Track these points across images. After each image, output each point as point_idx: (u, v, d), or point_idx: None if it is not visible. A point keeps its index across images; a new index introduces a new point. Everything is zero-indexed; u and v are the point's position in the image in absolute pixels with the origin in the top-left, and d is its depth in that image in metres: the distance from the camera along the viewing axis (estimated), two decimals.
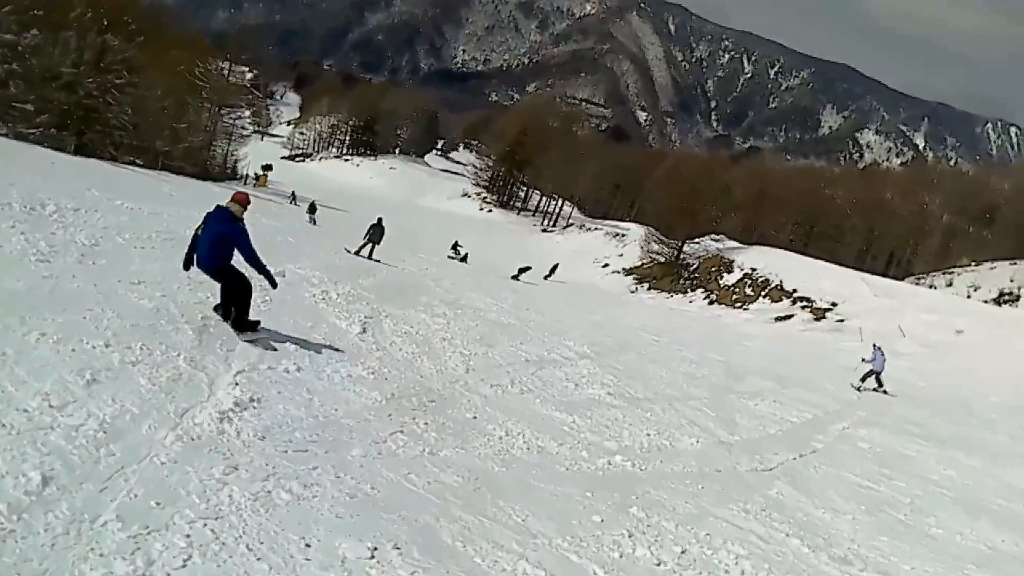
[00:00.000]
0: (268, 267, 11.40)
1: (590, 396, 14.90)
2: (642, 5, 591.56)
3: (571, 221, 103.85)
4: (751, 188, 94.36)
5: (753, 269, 58.37)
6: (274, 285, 11.70)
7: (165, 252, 15.61)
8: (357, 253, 29.80)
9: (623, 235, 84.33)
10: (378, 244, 30.94)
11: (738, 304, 55.00)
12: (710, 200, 70.50)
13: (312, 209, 49.02)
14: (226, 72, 75.90)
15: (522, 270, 45.98)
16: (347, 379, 11.00)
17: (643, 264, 69.91)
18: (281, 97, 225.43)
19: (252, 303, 11.48)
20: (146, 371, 8.60)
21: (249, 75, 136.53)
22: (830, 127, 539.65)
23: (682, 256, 66.14)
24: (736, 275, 58.96)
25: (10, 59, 41.04)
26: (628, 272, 70.27)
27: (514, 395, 13.29)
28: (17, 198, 15.83)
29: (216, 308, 11.44)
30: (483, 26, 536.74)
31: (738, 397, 19.39)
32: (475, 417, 11.22)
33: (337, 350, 12.41)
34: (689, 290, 60.99)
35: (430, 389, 11.93)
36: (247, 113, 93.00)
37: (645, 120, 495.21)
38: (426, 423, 10.17)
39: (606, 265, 75.11)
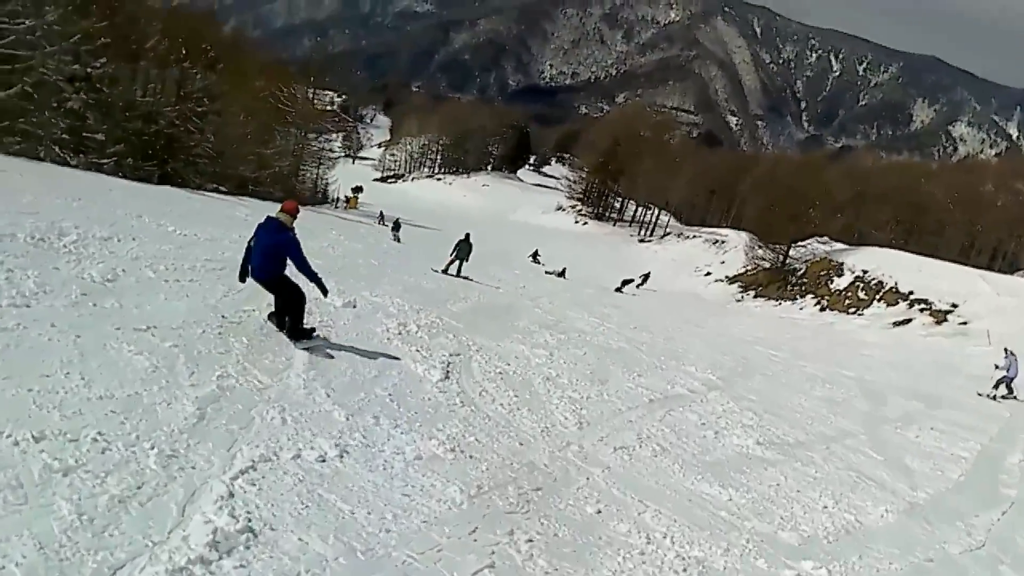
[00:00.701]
0: (319, 275, 11.21)
1: (736, 449, 11.89)
2: (726, 8, 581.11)
3: (668, 230, 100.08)
4: (849, 187, 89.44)
5: (865, 271, 54.51)
6: (325, 292, 11.51)
7: (205, 285, 13.16)
8: (445, 271, 28.11)
9: (723, 242, 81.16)
10: (466, 261, 29.23)
11: (852, 310, 51.24)
12: (813, 202, 66.22)
13: (396, 227, 47.38)
14: (312, 96, 74.42)
15: (625, 282, 46.14)
16: (414, 464, 7.89)
17: (747, 271, 66.65)
18: (371, 120, 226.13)
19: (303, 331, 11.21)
20: (77, 489, 5.47)
21: (338, 99, 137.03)
22: (922, 121, 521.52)
23: (788, 261, 62.31)
24: (847, 279, 55.14)
25: (84, 89, 39.73)
26: (732, 280, 67.07)
27: (645, 460, 10.19)
28: (30, 228, 12.93)
29: (270, 316, 11.31)
30: (569, 40, 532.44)
31: (892, 428, 16.47)
32: (600, 511, 8.03)
33: (406, 411, 9.53)
34: (798, 296, 57.32)
35: (533, 467, 8.88)
36: (336, 137, 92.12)
37: (736, 125, 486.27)
38: (530, 540, 6.90)
39: (708, 274, 71.87)
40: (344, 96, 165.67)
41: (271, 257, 10.76)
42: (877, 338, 42.67)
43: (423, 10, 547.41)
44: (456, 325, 16.03)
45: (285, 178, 64.51)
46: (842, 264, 57.34)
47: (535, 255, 48.92)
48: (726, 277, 68.45)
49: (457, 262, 28.83)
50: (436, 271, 27.72)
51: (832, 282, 55.82)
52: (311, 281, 11.03)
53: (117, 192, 25.98)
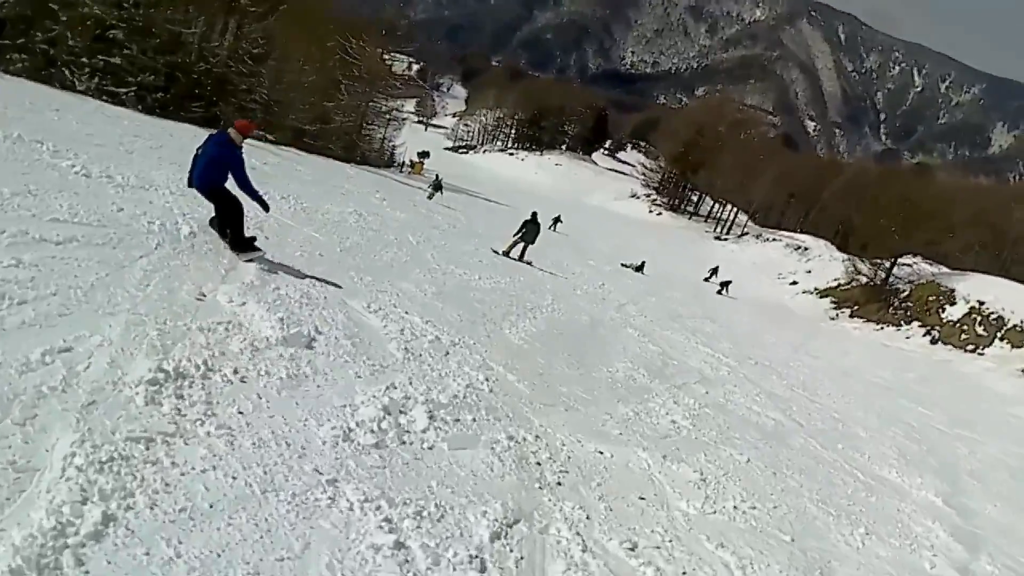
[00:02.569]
0: (260, 192, 10.82)
1: None
2: (812, 12, 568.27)
3: (746, 230, 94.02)
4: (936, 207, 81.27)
5: (981, 303, 46.94)
6: (266, 209, 11.05)
7: None
8: (506, 254, 24.55)
9: (805, 249, 74.98)
10: (532, 244, 25.54)
11: (969, 347, 43.76)
12: (927, 217, 58.37)
13: (437, 186, 43.45)
14: (384, 56, 68.16)
15: (714, 271, 49.15)
16: None
17: (839, 285, 59.29)
18: (448, 89, 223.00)
19: None
20: None
21: (416, 65, 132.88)
22: (1000, 145, 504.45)
23: (890, 280, 54.79)
24: (961, 308, 47.57)
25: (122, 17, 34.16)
26: (822, 293, 59.87)
27: None
28: None
29: (211, 222, 11.23)
30: (652, 28, 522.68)
31: None
32: None
33: None
34: (903, 322, 49.79)
35: None
36: (406, 102, 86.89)
37: (813, 130, 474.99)
38: None
39: (794, 283, 64.75)
40: (422, 63, 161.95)
41: (213, 167, 10.46)
42: (1012, 389, 35.52)
43: None
44: (516, 388, 9.73)
45: (346, 134, 59.20)
46: (953, 291, 49.70)
47: (557, 220, 46.76)
48: (815, 289, 61.26)
49: (521, 244, 25.14)
50: (496, 252, 24.18)
51: (944, 311, 48.19)
52: (252, 199, 10.69)
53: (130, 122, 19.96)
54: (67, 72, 31.86)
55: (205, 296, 8.47)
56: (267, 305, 8.76)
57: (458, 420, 7.65)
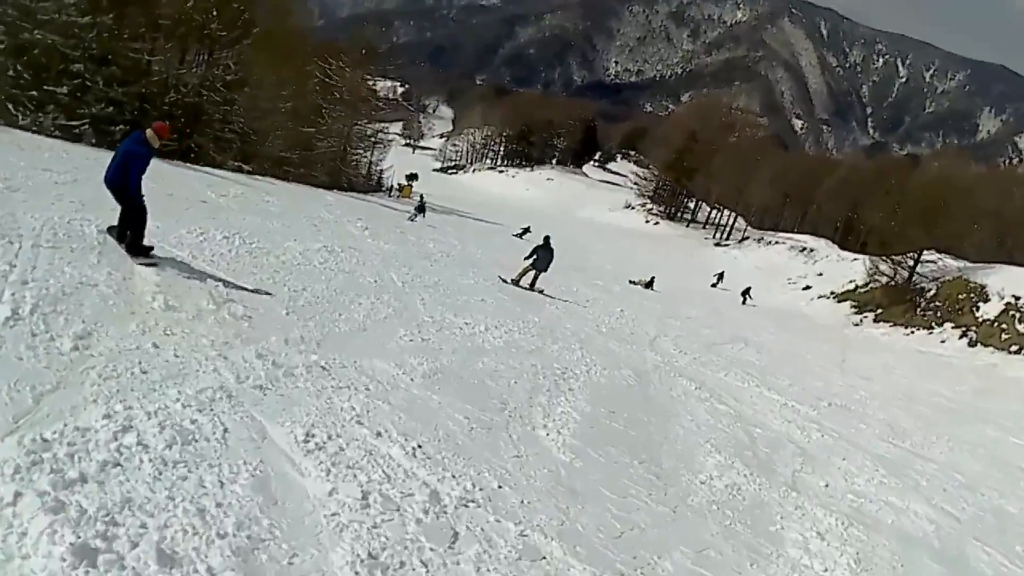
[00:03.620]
0: (144, 203, 10.72)
1: None
2: (793, 10, 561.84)
3: (747, 234, 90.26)
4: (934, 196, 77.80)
5: (1017, 297, 43.06)
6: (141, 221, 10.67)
7: None
8: (516, 283, 22.41)
9: (810, 250, 71.34)
10: (544, 271, 23.14)
11: (1012, 348, 39.83)
12: (948, 208, 54.55)
13: (420, 208, 41.78)
14: (366, 78, 64.83)
15: (744, 293, 46.93)
16: None
17: (857, 288, 55.55)
18: (434, 111, 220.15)
19: None
20: None
21: (400, 88, 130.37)
22: (988, 131, 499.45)
23: (914, 278, 51.03)
24: (995, 305, 43.56)
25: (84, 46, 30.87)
26: (840, 297, 55.86)
27: None
28: None
29: (110, 229, 10.99)
30: (635, 37, 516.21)
31: None
32: None
33: None
34: (934, 324, 45.76)
35: None
36: (392, 126, 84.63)
37: (801, 128, 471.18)
38: None
39: (807, 288, 60.68)
40: (407, 85, 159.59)
41: (121, 165, 10.50)
42: None
43: (488, 3, 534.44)
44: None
45: (330, 160, 56.56)
46: (983, 287, 45.78)
47: (526, 231, 43.95)
48: (832, 293, 57.20)
49: (533, 272, 22.78)
50: (505, 281, 22.19)
51: (977, 309, 44.33)
52: (132, 203, 10.58)
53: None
54: (10, 107, 28.26)
55: None
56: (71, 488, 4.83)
57: None
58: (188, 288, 9.84)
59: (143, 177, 10.67)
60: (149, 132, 10.76)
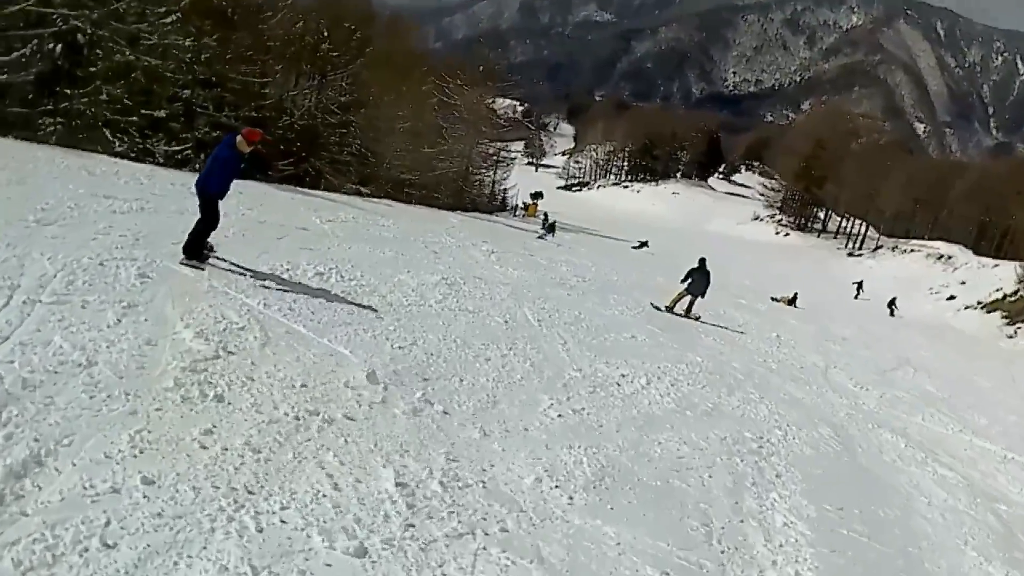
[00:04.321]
0: (218, 209, 10.29)
1: None
2: (908, 11, 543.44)
3: (879, 243, 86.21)
4: None
5: None
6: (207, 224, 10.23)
7: None
8: (670, 310, 20.36)
9: (949, 258, 67.47)
10: (701, 297, 20.71)
11: None
12: None
13: (550, 228, 40.76)
14: (489, 100, 62.70)
15: (891, 304, 45.51)
16: None
17: (1006, 296, 51.33)
18: (554, 128, 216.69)
19: None
20: None
21: (520, 107, 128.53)
22: None
23: None
24: None
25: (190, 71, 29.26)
26: (988, 307, 51.42)
27: None
28: None
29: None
30: (751, 46, 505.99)
31: None
32: None
33: None
34: None
35: None
36: (514, 144, 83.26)
37: (924, 132, 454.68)
38: None
39: (952, 298, 56.40)
40: (526, 104, 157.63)
41: (213, 171, 10.15)
42: None
43: (603, 19, 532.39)
44: None
45: (452, 181, 54.44)
46: None
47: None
48: (978, 303, 52.83)
49: (688, 297, 20.51)
50: (658, 308, 20.10)
51: None
52: (207, 205, 10.16)
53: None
54: (106, 132, 26.28)
55: None
56: None
57: None
58: (236, 364, 6.91)
59: (230, 183, 10.31)
60: (239, 137, 10.27)
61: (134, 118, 27.78)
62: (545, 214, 47.25)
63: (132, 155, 25.90)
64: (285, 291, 9.74)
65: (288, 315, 8.73)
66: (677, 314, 19.92)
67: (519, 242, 30.42)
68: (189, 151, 29.11)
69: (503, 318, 12.29)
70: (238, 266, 10.34)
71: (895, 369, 22.42)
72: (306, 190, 29.11)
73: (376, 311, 10.25)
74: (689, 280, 20.53)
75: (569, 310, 14.99)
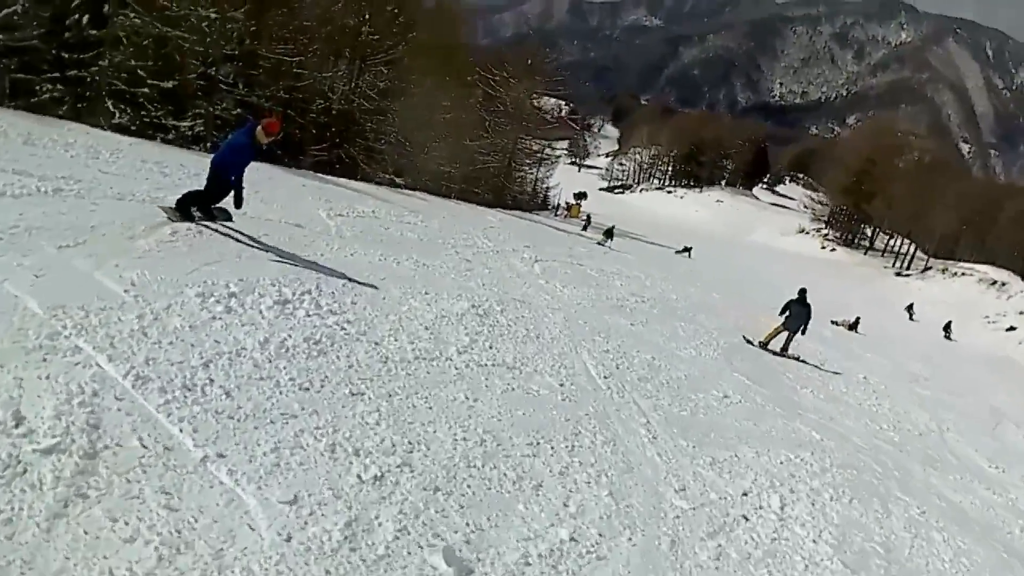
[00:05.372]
0: (243, 188, 9.75)
1: None
2: (958, 30, 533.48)
3: (929, 264, 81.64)
4: None
5: None
6: (238, 204, 9.85)
7: None
8: (764, 346, 17.51)
9: (1003, 284, 63.15)
10: (802, 333, 18.09)
11: None
12: None
13: (608, 234, 38.07)
14: (535, 97, 59.60)
15: (946, 328, 43.97)
16: None
17: None
18: (599, 130, 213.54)
19: None
20: None
21: (565, 107, 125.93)
22: None
23: None
24: None
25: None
26: None
27: None
28: None
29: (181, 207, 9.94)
30: (798, 58, 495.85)
31: None
32: None
33: None
34: None
35: None
36: (558, 144, 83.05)
37: (968, 152, 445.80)
38: None
39: (1011, 328, 52.24)
40: (571, 104, 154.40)
41: (229, 156, 9.67)
42: None
43: (652, 24, 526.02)
44: None
45: (493, 176, 51.15)
46: None
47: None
48: None
49: (785, 334, 17.82)
50: (751, 343, 17.37)
51: None
52: (236, 190, 9.67)
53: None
54: (108, 104, 22.71)
55: None
56: None
57: None
58: None
59: (244, 169, 9.73)
60: (259, 128, 9.77)
61: (144, 89, 24.38)
62: (588, 216, 46.59)
63: (133, 128, 22.52)
64: (196, 343, 5.80)
65: (173, 402, 4.81)
66: (771, 351, 17.18)
67: (563, 247, 26.70)
68: (202, 128, 25.57)
69: (557, 376, 8.42)
70: (153, 288, 6.52)
71: (997, 425, 19.41)
72: (324, 176, 25.30)
73: (356, 378, 6.32)
74: (786, 312, 18.02)
75: (639, 352, 11.20)
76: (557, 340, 10.15)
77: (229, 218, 10.11)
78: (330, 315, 7.55)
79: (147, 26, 24.01)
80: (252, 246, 9.44)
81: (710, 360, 13.07)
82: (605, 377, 9.07)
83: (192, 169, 14.06)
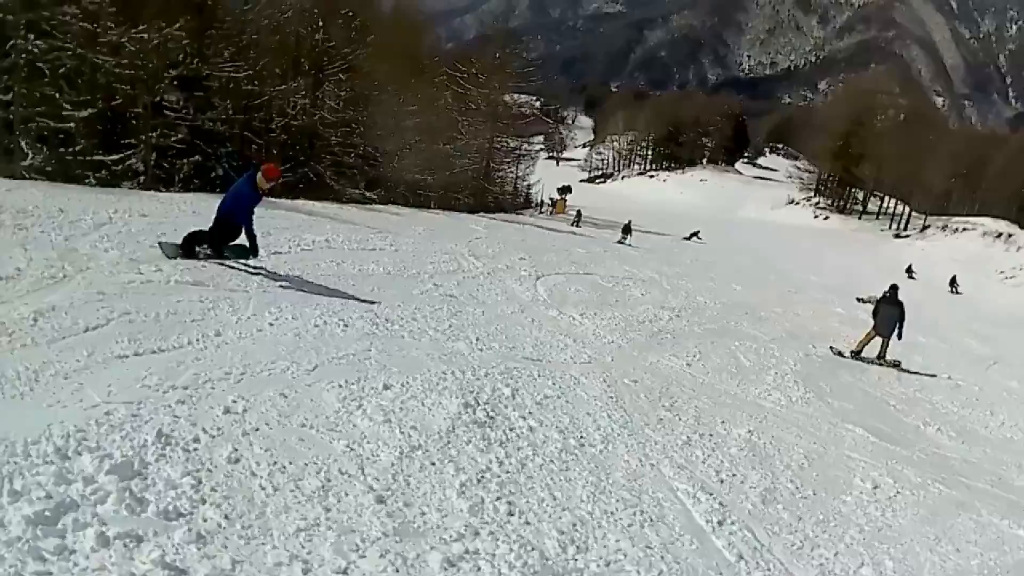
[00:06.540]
0: (257, 235, 10.22)
1: None
2: None
3: (927, 222, 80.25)
4: None
5: None
6: (255, 254, 10.32)
7: None
8: (857, 355, 15.32)
9: (1009, 236, 61.81)
10: (898, 338, 15.78)
11: None
12: None
13: (626, 230, 38.81)
14: (510, 96, 57.44)
15: (952, 283, 44.86)
16: None
17: None
18: (573, 121, 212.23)
19: None
20: None
21: (536, 103, 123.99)
22: None
23: None
24: None
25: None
26: None
27: None
28: None
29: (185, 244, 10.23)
30: (764, 29, 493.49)
31: None
32: None
33: None
34: None
35: None
36: (534, 139, 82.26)
37: (943, 105, 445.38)
38: None
39: None
40: (543, 100, 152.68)
41: (232, 201, 10.12)
42: None
43: (614, 11, 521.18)
44: None
45: (472, 179, 49.00)
46: None
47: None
48: None
49: (880, 340, 15.60)
50: (843, 355, 15.24)
51: None
52: (248, 238, 10.11)
53: None
54: (23, 145, 19.16)
55: None
56: None
57: None
58: None
59: (251, 214, 10.00)
60: (260, 176, 10.11)
61: (66, 124, 20.76)
62: (578, 211, 46.61)
63: (49, 169, 18.81)
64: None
65: None
66: (863, 360, 15.28)
67: (562, 252, 23.34)
68: (140, 164, 21.90)
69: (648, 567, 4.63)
70: None
71: None
72: (275, 200, 21.54)
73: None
74: (879, 312, 16.16)
75: (726, 426, 7.62)
76: (612, 446, 6.53)
77: (246, 255, 10.13)
78: (161, 498, 3.83)
79: (59, 50, 20.42)
80: (82, 353, 5.67)
81: (804, 406, 10.06)
82: (719, 524, 5.39)
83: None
